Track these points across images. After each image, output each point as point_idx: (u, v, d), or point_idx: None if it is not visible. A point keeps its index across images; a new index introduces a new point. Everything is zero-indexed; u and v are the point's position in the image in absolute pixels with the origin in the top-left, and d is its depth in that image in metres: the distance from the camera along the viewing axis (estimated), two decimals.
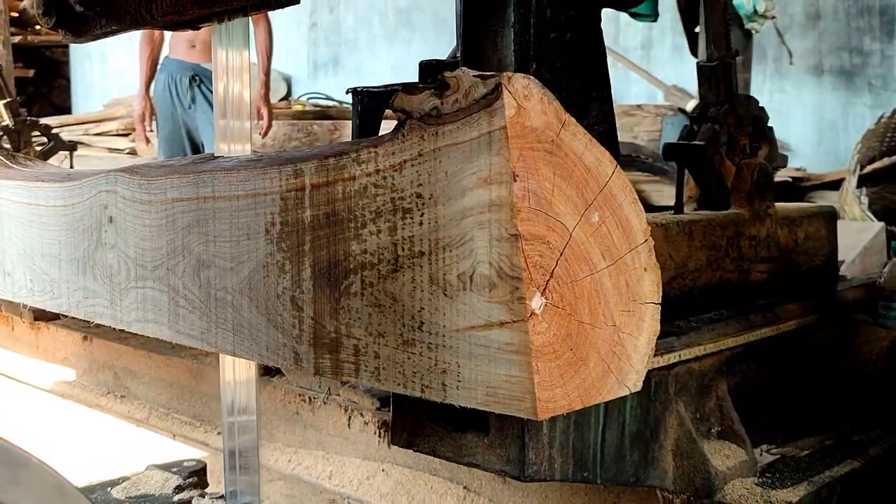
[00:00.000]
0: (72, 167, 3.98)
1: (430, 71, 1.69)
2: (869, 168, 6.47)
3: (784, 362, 2.07)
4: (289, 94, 11.52)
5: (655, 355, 1.64)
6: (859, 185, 6.21)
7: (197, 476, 1.88)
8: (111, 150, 8.70)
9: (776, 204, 2.14)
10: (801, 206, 2.37)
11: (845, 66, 8.34)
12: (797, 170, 7.64)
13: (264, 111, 5.41)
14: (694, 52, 2.44)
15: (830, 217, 2.35)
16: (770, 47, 8.46)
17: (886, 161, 6.53)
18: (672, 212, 2.09)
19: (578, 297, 1.10)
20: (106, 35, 1.74)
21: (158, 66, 5.55)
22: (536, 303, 1.06)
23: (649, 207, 3.93)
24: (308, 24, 11.68)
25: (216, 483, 1.95)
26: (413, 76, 1.78)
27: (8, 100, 4.05)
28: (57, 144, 4.25)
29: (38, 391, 3.51)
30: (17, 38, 10.79)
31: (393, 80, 1.64)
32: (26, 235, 1.92)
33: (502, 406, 1.10)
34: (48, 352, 3.65)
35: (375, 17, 11.20)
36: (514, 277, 1.05)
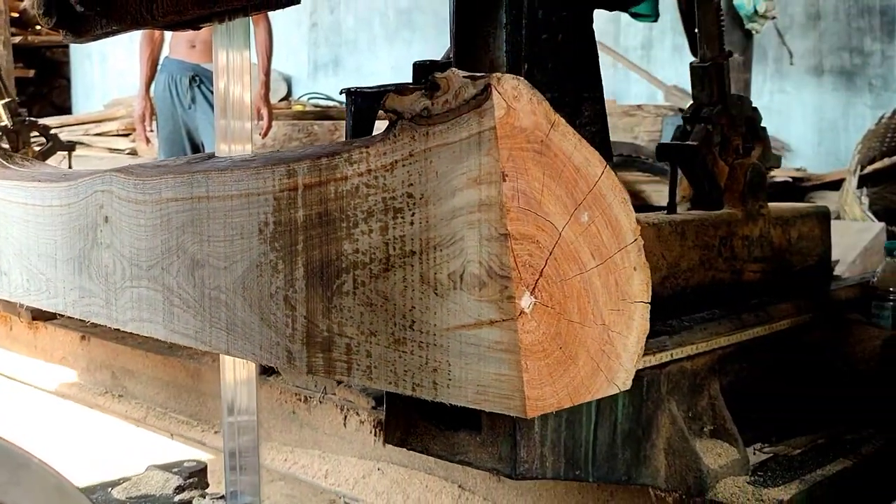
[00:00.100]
0: (70, 167, 3.99)
1: (424, 71, 1.69)
2: (869, 168, 6.47)
3: (777, 361, 2.08)
4: (289, 94, 11.52)
5: (648, 354, 1.65)
6: (860, 186, 6.21)
7: (197, 476, 1.88)
8: (111, 150, 8.70)
9: (769, 204, 2.15)
10: (795, 206, 2.37)
11: (846, 67, 8.34)
12: (797, 170, 7.64)
13: (264, 111, 5.41)
14: (694, 52, 2.44)
15: (824, 217, 2.36)
16: (770, 47, 8.46)
17: (887, 161, 6.53)
18: (665, 212, 2.10)
19: (568, 296, 1.11)
20: (106, 35, 1.74)
21: (159, 67, 5.55)
22: (526, 302, 1.07)
23: (649, 207, 3.94)
24: (308, 25, 11.69)
25: (216, 483, 1.96)
26: None
27: (7, 100, 4.06)
28: (55, 145, 4.26)
29: (36, 391, 3.52)
30: (17, 39, 10.81)
31: (393, 80, 1.65)
32: (23, 235, 1.93)
33: (492, 404, 1.11)
34: (46, 351, 3.67)
35: (376, 18, 11.20)
36: (504, 277, 1.06)
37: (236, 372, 1.73)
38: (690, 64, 2.24)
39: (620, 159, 6.62)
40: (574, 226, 1.12)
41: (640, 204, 6.20)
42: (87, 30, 1.75)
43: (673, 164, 2.14)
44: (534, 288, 1.07)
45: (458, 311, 1.11)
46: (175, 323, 1.56)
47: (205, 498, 1.83)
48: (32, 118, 4.32)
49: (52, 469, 0.85)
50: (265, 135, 5.61)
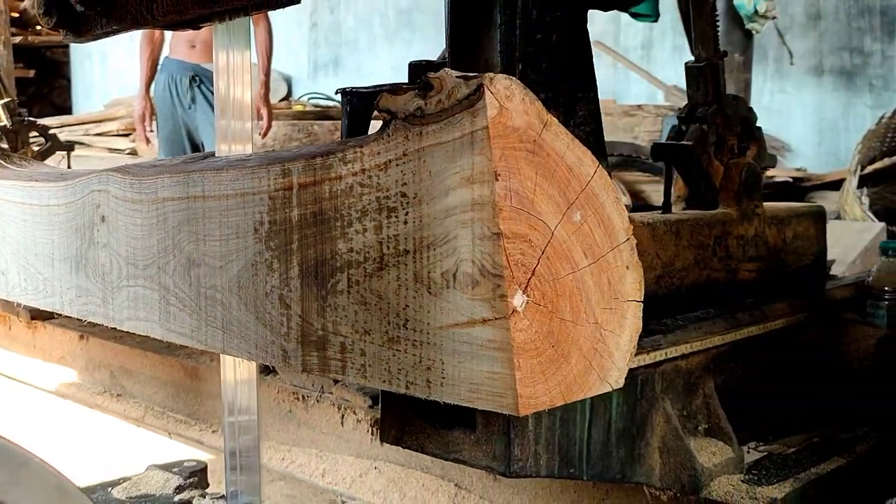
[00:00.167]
0: (69, 167, 4.00)
1: (420, 71, 1.70)
2: (870, 168, 6.47)
3: (771, 360, 2.09)
4: (289, 94, 11.54)
5: (642, 353, 1.66)
6: (860, 186, 6.22)
7: (198, 476, 1.88)
8: (111, 150, 8.72)
9: (764, 203, 2.15)
10: (790, 206, 2.38)
11: (846, 67, 8.35)
12: (798, 170, 7.65)
13: (264, 111, 5.41)
14: None
15: (819, 216, 2.36)
16: (771, 47, 8.47)
17: (887, 161, 6.53)
18: (660, 211, 2.11)
19: (560, 295, 1.12)
20: (107, 35, 1.75)
21: (159, 67, 5.56)
22: (518, 300, 1.08)
23: (649, 207, 3.94)
24: (308, 25, 11.70)
25: (217, 483, 1.96)
26: None
27: (6, 100, 4.06)
28: (54, 145, 4.26)
29: (35, 390, 3.53)
30: (17, 39, 10.82)
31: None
32: (20, 234, 1.93)
33: (485, 402, 1.11)
34: (45, 351, 3.67)
35: (376, 18, 11.22)
36: (497, 275, 1.06)
37: (237, 371, 1.73)
38: (686, 64, 2.24)
39: (620, 159, 6.62)
40: (566, 225, 1.12)
41: (641, 204, 6.20)
42: (87, 29, 1.75)
43: (668, 163, 2.15)
44: (526, 286, 1.08)
45: (452, 309, 1.11)
46: (171, 322, 1.56)
47: (205, 498, 1.83)
48: (31, 118, 4.33)
49: (53, 468, 0.85)
50: (265, 135, 5.62)
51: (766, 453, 1.95)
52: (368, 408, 2.47)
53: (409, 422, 1.62)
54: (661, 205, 2.16)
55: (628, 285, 1.19)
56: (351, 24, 11.44)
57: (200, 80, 5.46)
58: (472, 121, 1.08)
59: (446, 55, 1.73)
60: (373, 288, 1.21)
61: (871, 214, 5.91)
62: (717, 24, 2.24)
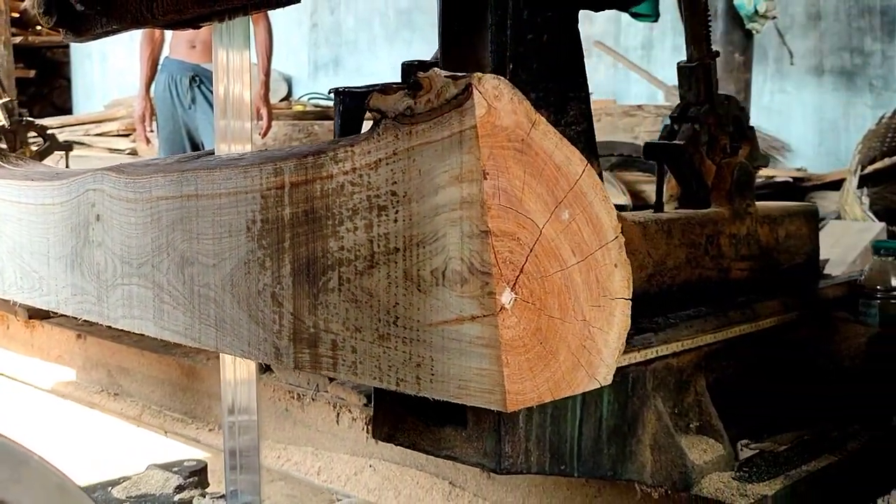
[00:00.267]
0: (67, 167, 4.01)
1: (412, 71, 1.71)
2: (870, 168, 6.48)
3: (763, 358, 2.10)
4: (289, 94, 11.55)
5: (633, 351, 1.67)
6: (860, 186, 6.23)
7: (198, 476, 1.89)
8: (112, 150, 8.73)
9: (756, 202, 2.16)
10: (782, 205, 2.39)
11: (846, 67, 8.36)
12: (798, 170, 7.65)
13: (264, 111, 5.42)
14: None
15: (812, 216, 2.37)
16: (771, 47, 8.47)
17: (887, 161, 6.54)
18: (652, 210, 2.12)
19: (548, 293, 1.13)
20: (107, 34, 1.76)
21: (159, 67, 5.57)
22: (506, 298, 1.09)
23: (648, 207, 3.96)
24: (309, 25, 11.72)
25: (216, 482, 1.97)
26: None
27: (5, 100, 4.08)
28: (53, 145, 4.28)
29: (33, 389, 3.54)
30: (17, 39, 10.82)
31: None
32: (16, 233, 1.95)
33: (473, 399, 1.12)
34: (43, 350, 3.68)
35: (376, 18, 11.23)
36: (485, 273, 1.08)
37: (236, 371, 1.74)
38: (678, 64, 2.25)
39: (620, 159, 6.63)
40: (555, 223, 1.13)
41: (641, 204, 6.21)
42: (87, 29, 1.76)
43: (660, 162, 2.16)
44: (514, 284, 1.09)
45: (441, 306, 1.13)
46: (165, 320, 1.58)
47: (205, 497, 1.84)
48: (30, 118, 4.34)
49: (53, 466, 0.85)
50: (265, 135, 5.63)
51: (757, 451, 1.96)
52: (363, 406, 2.48)
53: (402, 419, 1.63)
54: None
55: (617, 283, 1.20)
56: (351, 24, 11.46)
57: (200, 80, 5.47)
58: (461, 120, 1.09)
59: (439, 55, 1.74)
60: (363, 286, 1.22)
61: (871, 214, 5.92)
62: (710, 24, 2.25)
